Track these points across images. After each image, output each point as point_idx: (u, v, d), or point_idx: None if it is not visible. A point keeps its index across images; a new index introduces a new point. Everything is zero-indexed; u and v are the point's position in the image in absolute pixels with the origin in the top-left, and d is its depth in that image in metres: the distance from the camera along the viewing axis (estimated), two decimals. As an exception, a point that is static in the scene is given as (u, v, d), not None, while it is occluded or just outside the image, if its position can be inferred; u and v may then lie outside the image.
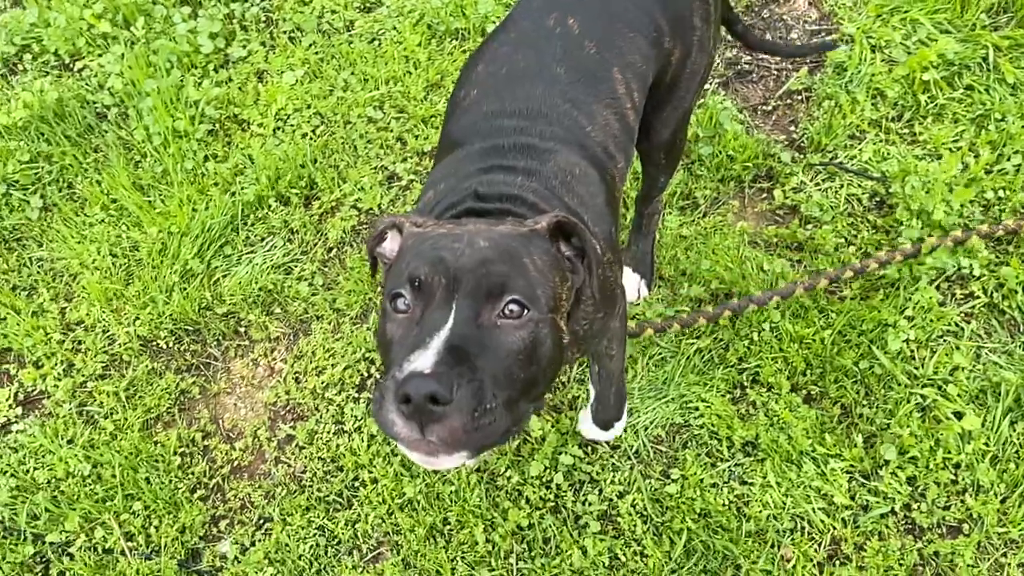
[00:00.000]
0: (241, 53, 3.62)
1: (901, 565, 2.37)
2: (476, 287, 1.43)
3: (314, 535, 2.57)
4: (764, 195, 3.11)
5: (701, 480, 2.54)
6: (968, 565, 2.35)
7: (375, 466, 2.63)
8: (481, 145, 1.94)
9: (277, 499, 2.65)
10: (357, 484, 2.64)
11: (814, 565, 2.40)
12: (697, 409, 2.66)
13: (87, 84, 3.59)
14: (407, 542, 2.52)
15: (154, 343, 2.97)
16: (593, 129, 2.01)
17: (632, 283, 2.86)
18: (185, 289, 3.02)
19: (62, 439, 2.79)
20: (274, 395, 2.83)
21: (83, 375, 2.91)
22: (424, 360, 1.31)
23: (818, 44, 3.40)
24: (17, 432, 2.84)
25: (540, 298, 1.48)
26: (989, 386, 2.59)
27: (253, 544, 2.59)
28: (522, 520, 2.50)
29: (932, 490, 2.45)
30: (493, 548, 2.49)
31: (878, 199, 3.03)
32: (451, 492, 2.57)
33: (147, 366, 2.91)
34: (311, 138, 3.36)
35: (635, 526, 2.48)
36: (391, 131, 3.34)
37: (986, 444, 2.50)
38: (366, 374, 2.81)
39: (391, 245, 1.72)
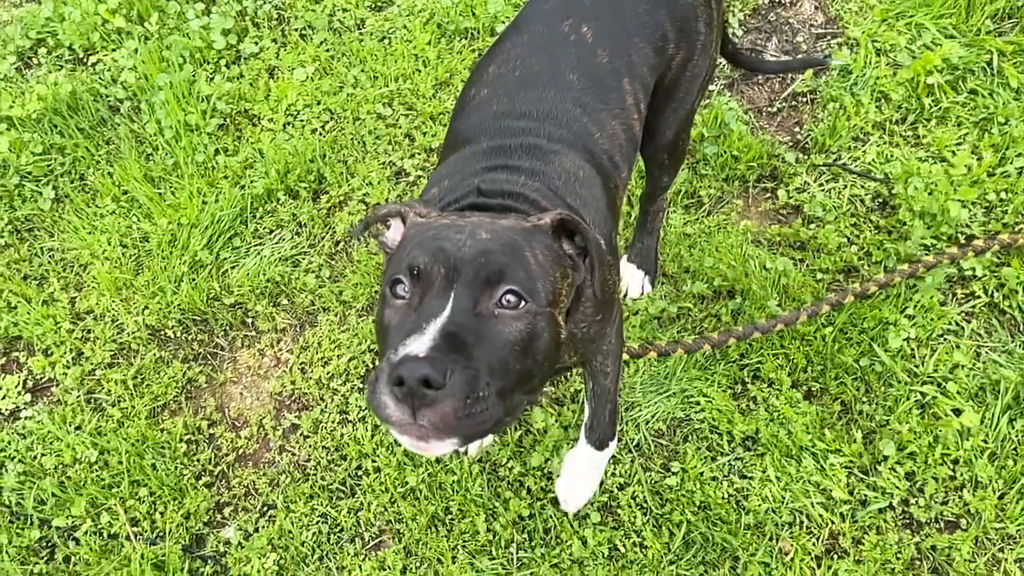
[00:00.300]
0: (253, 49, 3.66)
1: (898, 559, 2.39)
2: (475, 275, 1.44)
3: (317, 522, 2.60)
4: (768, 195, 3.14)
5: (701, 473, 2.56)
6: (965, 560, 2.36)
7: (378, 455, 2.66)
8: (488, 144, 1.95)
9: (281, 487, 2.67)
10: (360, 473, 2.67)
11: (812, 558, 2.42)
12: (698, 404, 2.68)
13: (100, 78, 3.63)
14: (409, 530, 2.55)
15: (162, 332, 3.01)
16: (601, 137, 2.03)
17: (636, 279, 2.89)
18: (194, 280, 3.06)
19: (70, 426, 2.83)
20: (280, 385, 2.86)
21: (91, 363, 2.95)
22: (420, 344, 1.31)
23: (804, 60, 3.43)
24: (26, 419, 2.88)
25: (539, 291, 1.48)
26: (988, 384, 2.61)
27: (257, 530, 2.62)
28: (523, 510, 2.52)
29: (930, 485, 2.47)
30: (494, 537, 2.51)
31: (881, 200, 3.05)
32: (453, 482, 2.59)
33: (155, 355, 2.95)
34: (320, 133, 3.40)
35: (635, 517, 2.50)
36: (400, 127, 3.38)
37: (985, 441, 2.51)
38: (371, 365, 2.84)
39: (393, 234, 1.73)
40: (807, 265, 2.92)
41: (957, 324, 2.75)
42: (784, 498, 2.50)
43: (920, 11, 3.41)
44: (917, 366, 2.67)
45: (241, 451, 2.77)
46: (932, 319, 2.73)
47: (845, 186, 3.08)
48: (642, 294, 2.90)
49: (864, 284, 2.75)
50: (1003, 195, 2.96)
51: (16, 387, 2.94)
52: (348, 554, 2.54)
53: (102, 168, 3.39)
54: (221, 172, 3.31)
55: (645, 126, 2.26)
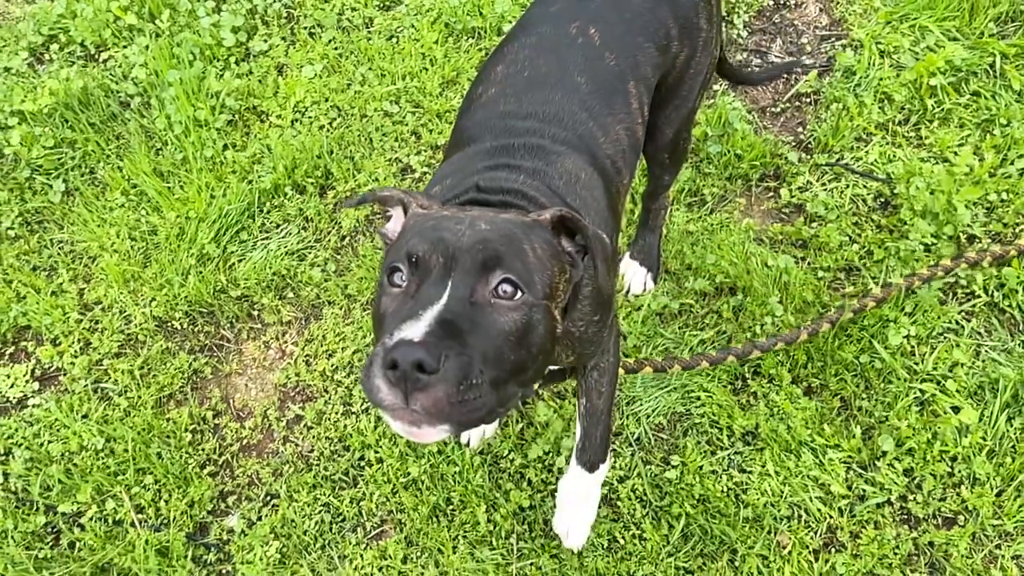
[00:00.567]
0: (262, 47, 3.71)
1: (896, 554, 2.40)
2: (472, 263, 1.45)
3: (319, 512, 2.63)
4: (770, 193, 3.16)
5: (700, 467, 2.58)
6: (962, 556, 2.38)
7: (381, 446, 2.69)
8: (492, 143, 1.96)
9: (284, 476, 2.70)
10: (363, 463, 2.69)
11: (810, 552, 2.44)
12: (699, 398, 2.70)
13: (112, 74, 3.68)
14: (410, 520, 2.57)
15: (169, 324, 3.04)
16: (606, 142, 2.04)
17: (639, 275, 2.91)
18: (201, 272, 3.09)
19: (77, 414, 2.86)
20: (284, 376, 2.89)
21: (99, 353, 2.98)
22: (415, 330, 1.31)
23: (787, 63, 3.47)
24: (33, 407, 2.91)
25: (536, 283, 1.49)
26: (988, 382, 2.62)
27: (260, 519, 2.64)
28: (523, 501, 2.55)
29: (928, 482, 2.49)
30: (494, 528, 2.53)
31: (883, 199, 3.07)
32: (455, 473, 2.62)
33: (161, 346, 2.98)
34: (328, 130, 3.44)
35: (634, 510, 2.52)
36: (406, 125, 3.41)
37: (983, 438, 2.53)
38: (375, 358, 2.86)
39: (394, 225, 1.75)
40: (808, 263, 2.94)
41: (957, 323, 2.76)
42: (783, 492, 2.52)
43: (924, 14, 3.43)
44: (917, 363, 2.68)
45: (245, 441, 2.80)
46: (932, 317, 2.74)
47: (847, 186, 3.10)
48: (644, 290, 2.92)
49: (862, 299, 2.76)
50: (1004, 196, 2.98)
51: (25, 375, 2.98)
52: (350, 543, 2.56)
53: (112, 162, 3.43)
54: (229, 167, 3.35)
55: (647, 125, 2.27)
